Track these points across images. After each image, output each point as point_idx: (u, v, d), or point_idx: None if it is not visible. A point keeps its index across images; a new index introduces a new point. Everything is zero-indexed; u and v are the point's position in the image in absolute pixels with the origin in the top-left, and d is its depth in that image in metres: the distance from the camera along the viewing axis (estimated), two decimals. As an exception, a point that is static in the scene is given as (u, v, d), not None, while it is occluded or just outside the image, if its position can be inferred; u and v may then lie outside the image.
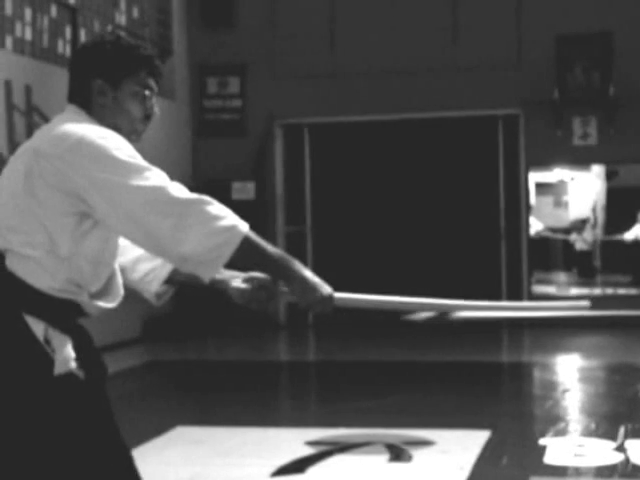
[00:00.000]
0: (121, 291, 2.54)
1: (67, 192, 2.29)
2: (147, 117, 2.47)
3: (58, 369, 2.32)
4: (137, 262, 2.64)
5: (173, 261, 2.34)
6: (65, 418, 2.34)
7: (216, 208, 2.27)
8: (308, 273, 2.42)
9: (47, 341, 2.31)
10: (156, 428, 5.98)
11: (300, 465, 5.16)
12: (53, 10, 9.72)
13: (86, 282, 2.38)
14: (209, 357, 10.17)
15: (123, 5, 11.21)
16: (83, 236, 2.33)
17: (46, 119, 9.03)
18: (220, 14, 12.28)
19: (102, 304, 2.46)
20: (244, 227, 2.29)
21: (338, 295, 2.54)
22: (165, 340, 10.44)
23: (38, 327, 2.31)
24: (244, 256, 2.29)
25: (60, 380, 2.32)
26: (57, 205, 2.30)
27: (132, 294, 2.66)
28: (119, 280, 2.54)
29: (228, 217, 2.27)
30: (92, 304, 2.42)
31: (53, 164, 2.30)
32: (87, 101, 2.44)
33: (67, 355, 2.35)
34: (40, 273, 2.31)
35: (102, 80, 2.41)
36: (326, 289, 2.49)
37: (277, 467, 5.07)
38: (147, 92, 2.46)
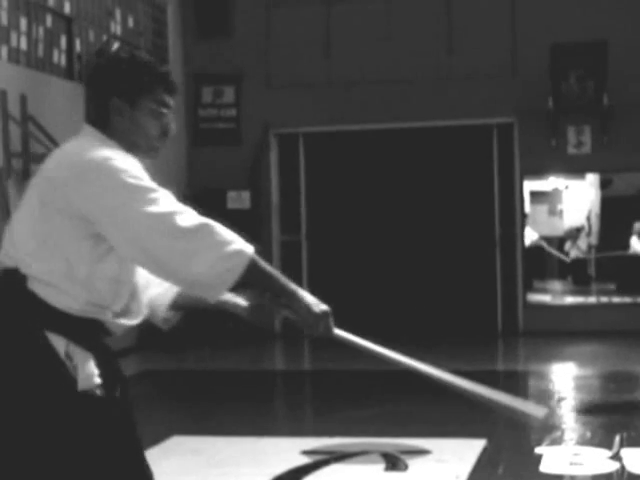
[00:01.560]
0: (143, 308, 2.55)
1: (79, 217, 2.32)
2: (164, 134, 2.48)
3: (81, 385, 2.33)
4: (148, 287, 2.63)
5: (182, 285, 2.38)
6: (86, 434, 2.34)
7: (223, 232, 2.31)
8: (310, 297, 2.51)
9: (69, 357, 2.33)
10: (152, 438, 5.97)
11: (296, 475, 5.15)
12: (48, 20, 9.73)
13: (107, 302, 2.40)
14: (205, 367, 10.15)
15: (118, 15, 11.23)
16: (100, 258, 2.35)
17: (41, 128, 9.03)
18: (215, 23, 12.30)
19: (125, 322, 2.47)
20: (250, 250, 2.34)
21: (337, 331, 2.66)
22: (161, 349, 10.43)
23: (59, 343, 2.32)
24: (251, 278, 2.35)
25: (82, 396, 2.33)
26: (71, 230, 2.32)
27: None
28: (141, 297, 2.54)
29: (235, 241, 2.32)
30: (115, 323, 2.44)
31: (63, 191, 2.32)
32: (105, 120, 2.44)
33: (90, 372, 2.36)
34: (61, 296, 2.33)
35: (119, 99, 2.42)
36: (326, 318, 2.56)
37: (273, 476, 5.07)
38: (164, 109, 2.46)
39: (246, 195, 12.00)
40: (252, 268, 2.33)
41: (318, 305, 2.51)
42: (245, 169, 12.21)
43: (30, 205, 2.38)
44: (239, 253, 2.31)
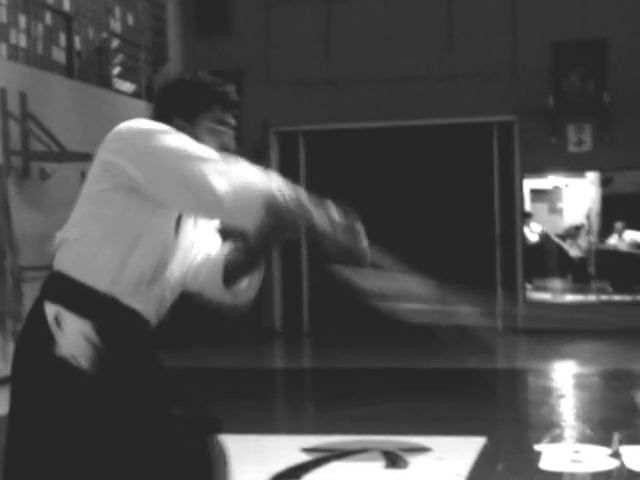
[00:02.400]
0: (168, 294, 2.56)
1: (124, 181, 2.39)
2: (223, 150, 2.52)
3: (61, 350, 2.35)
4: (199, 271, 2.63)
5: (214, 211, 2.35)
6: (56, 401, 2.37)
7: (248, 166, 2.36)
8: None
9: (57, 322, 2.36)
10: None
11: (296, 472, 5.15)
12: (48, 17, 9.72)
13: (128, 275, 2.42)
14: (205, 364, 10.15)
15: (118, 12, 11.22)
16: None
17: (41, 126, 9.03)
18: (215, 21, 12.30)
19: (138, 306, 2.48)
20: (279, 180, 2.38)
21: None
22: (160, 348, 10.42)
23: (50, 309, 2.38)
24: (284, 205, 2.37)
25: (62, 363, 2.36)
26: (115, 196, 2.42)
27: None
28: (170, 282, 2.54)
29: (261, 172, 2.37)
30: (136, 301, 2.46)
31: (108, 158, 2.45)
32: None
33: (74, 339, 2.36)
34: (80, 265, 2.43)
35: (180, 118, 2.51)
36: (364, 243, 2.52)
37: (273, 474, 5.06)
38: (222, 127, 2.55)
39: (246, 193, 11.99)
40: (284, 195, 2.37)
41: (361, 239, 2.49)
42: (245, 167, 12.19)
43: (82, 194, 2.53)
44: (267, 179, 2.36)
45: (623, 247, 13.18)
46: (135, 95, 11.73)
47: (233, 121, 2.59)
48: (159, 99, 2.61)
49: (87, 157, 9.60)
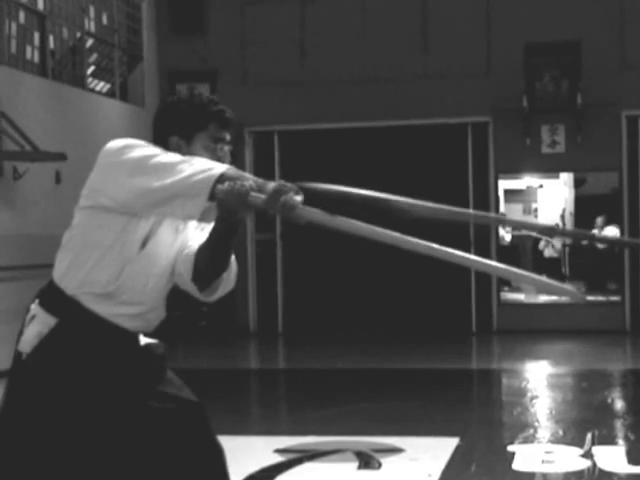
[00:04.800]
0: (147, 299, 2.68)
1: (96, 195, 2.63)
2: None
3: (20, 346, 2.62)
4: (178, 270, 2.74)
5: (167, 203, 2.46)
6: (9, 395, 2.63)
7: (198, 161, 2.48)
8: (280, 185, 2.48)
9: (31, 319, 2.62)
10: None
11: (269, 473, 5.14)
12: (22, 16, 9.66)
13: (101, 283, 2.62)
14: (179, 365, 10.09)
15: (92, 12, 11.17)
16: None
17: (14, 125, 8.96)
18: (190, 21, 12.26)
19: (103, 311, 2.62)
20: (223, 167, 2.45)
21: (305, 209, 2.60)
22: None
23: (34, 308, 2.64)
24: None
25: (19, 357, 2.61)
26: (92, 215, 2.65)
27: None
28: (145, 290, 2.67)
29: (208, 163, 2.47)
30: (111, 309, 2.63)
31: (94, 168, 2.68)
32: None
33: (30, 338, 2.60)
34: (62, 273, 2.65)
35: (177, 137, 2.66)
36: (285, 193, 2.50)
37: (246, 475, 5.05)
38: (218, 144, 2.68)
39: (221, 193, 11.96)
40: (225, 177, 2.43)
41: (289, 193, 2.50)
42: (220, 167, 12.17)
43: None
44: (211, 168, 2.44)
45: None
46: (109, 95, 11.68)
47: (228, 137, 2.71)
48: (157, 119, 2.74)
49: (61, 157, 9.57)
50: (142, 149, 2.55)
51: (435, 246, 2.53)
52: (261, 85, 12.20)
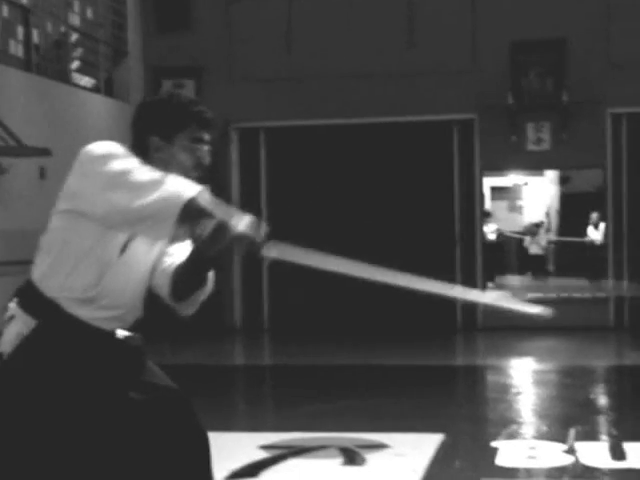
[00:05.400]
0: (120, 303, 2.70)
1: (73, 200, 2.65)
2: (199, 166, 2.71)
3: (1, 348, 2.65)
4: (157, 283, 2.79)
5: (139, 223, 2.50)
6: None
7: (172, 181, 2.48)
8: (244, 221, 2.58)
9: (9, 320, 2.65)
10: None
11: (254, 469, 5.14)
12: (5, 10, 9.60)
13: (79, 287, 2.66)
14: (165, 361, 10.08)
15: (77, 6, 11.12)
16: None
17: (-2, 120, 8.92)
18: (175, 16, 12.22)
19: (83, 314, 2.65)
20: (192, 192, 2.47)
21: (272, 249, 2.68)
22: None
23: (12, 309, 2.67)
24: (193, 212, 2.48)
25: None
26: (68, 220, 2.68)
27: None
28: (120, 294, 2.71)
29: (180, 185, 2.48)
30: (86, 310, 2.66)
31: (72, 173, 2.68)
32: (145, 155, 2.67)
33: (10, 339, 2.64)
34: (42, 276, 2.68)
35: (157, 137, 2.67)
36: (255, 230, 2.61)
37: (231, 471, 5.05)
38: (198, 145, 2.70)
39: (206, 190, 11.93)
40: (194, 203, 2.46)
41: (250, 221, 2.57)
42: (205, 163, 12.15)
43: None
44: (181, 194, 2.46)
45: (598, 238, 13.28)
46: (94, 90, 11.63)
47: (208, 137, 2.72)
48: (136, 119, 2.74)
49: (45, 152, 9.53)
50: (121, 161, 2.54)
51: (413, 279, 2.61)
52: (247, 81, 12.18)
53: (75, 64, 11.39)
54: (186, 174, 2.64)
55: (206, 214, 2.50)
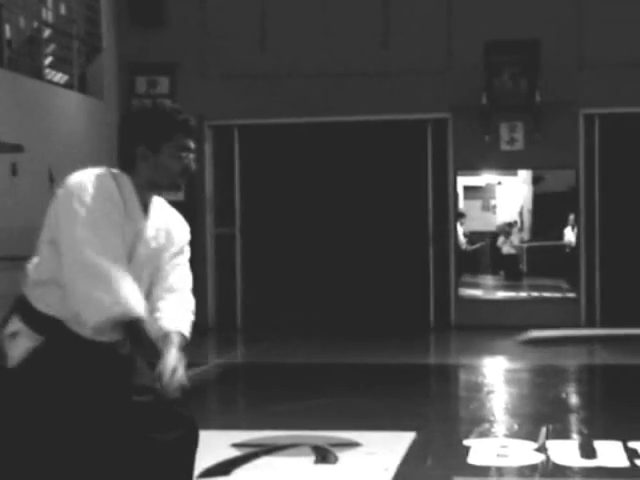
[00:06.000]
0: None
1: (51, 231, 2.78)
2: (185, 172, 2.81)
3: (10, 362, 2.74)
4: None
5: (80, 302, 2.67)
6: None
7: (123, 285, 2.63)
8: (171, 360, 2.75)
9: (12, 336, 2.75)
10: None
11: (225, 467, 5.13)
12: (-23, 5, 9.52)
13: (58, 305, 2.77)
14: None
15: (50, 1, 11.04)
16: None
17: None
18: (150, 12, 12.16)
19: (76, 329, 2.76)
20: (131, 312, 2.64)
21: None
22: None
23: (13, 325, 2.78)
24: (129, 331, 2.70)
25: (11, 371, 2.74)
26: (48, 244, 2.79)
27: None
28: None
29: (127, 296, 2.64)
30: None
31: (54, 204, 2.78)
32: (132, 165, 2.79)
33: (19, 353, 2.74)
34: (37, 294, 2.80)
35: (144, 146, 2.76)
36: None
37: (202, 469, 5.03)
38: (184, 152, 2.79)
39: (180, 187, 11.88)
40: (134, 326, 2.67)
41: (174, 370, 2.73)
42: (179, 161, 12.10)
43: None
44: (133, 304, 2.65)
45: (574, 240, 13.31)
46: (67, 86, 11.56)
47: (193, 145, 2.82)
48: (122, 129, 2.83)
49: (17, 148, 9.45)
50: (88, 217, 2.64)
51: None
52: (221, 78, 12.15)
53: (48, 60, 11.31)
54: (173, 180, 2.78)
55: (144, 339, 2.69)
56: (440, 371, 9.35)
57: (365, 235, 12.12)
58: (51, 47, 11.34)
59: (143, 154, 2.75)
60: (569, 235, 13.88)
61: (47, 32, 11.18)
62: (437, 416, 6.73)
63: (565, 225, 13.88)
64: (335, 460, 5.28)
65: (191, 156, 2.80)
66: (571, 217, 13.80)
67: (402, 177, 12.13)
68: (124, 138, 2.80)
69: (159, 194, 2.86)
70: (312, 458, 5.32)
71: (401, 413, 6.65)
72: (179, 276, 2.95)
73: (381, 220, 12.14)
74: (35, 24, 10.85)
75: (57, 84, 11.35)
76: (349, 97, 11.96)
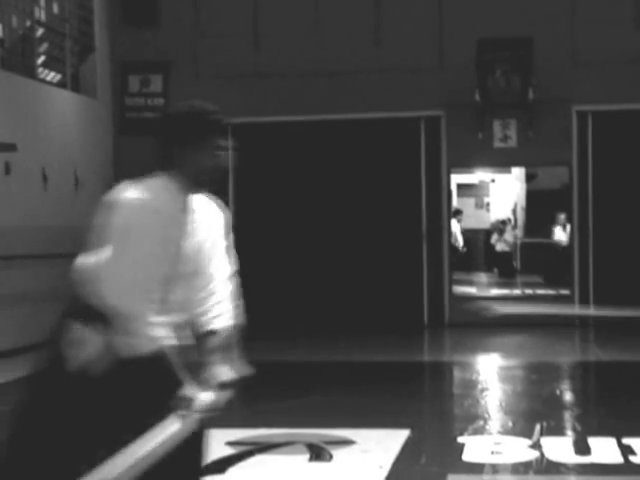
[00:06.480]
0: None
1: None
2: (219, 168, 2.98)
3: (75, 363, 2.84)
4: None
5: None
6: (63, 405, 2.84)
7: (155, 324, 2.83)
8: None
9: (78, 339, 2.84)
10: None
11: (221, 466, 5.13)
12: (-30, 4, 9.51)
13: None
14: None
15: (43, 0, 11.03)
16: None
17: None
18: (143, 11, 12.15)
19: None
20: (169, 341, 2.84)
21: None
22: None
23: (77, 329, 2.86)
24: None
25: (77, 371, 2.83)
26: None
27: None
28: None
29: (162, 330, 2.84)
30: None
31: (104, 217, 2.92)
32: (170, 163, 2.94)
33: (92, 353, 2.84)
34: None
35: (182, 146, 2.92)
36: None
37: (197, 468, 5.03)
38: (218, 151, 2.97)
39: (173, 185, 11.88)
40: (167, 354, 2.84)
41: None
42: (173, 159, 12.10)
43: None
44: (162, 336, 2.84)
45: (564, 239, 13.39)
46: (60, 85, 11.54)
47: (227, 144, 2.98)
48: (161, 131, 2.98)
49: (11, 147, 9.44)
50: (132, 249, 2.81)
51: None
52: (214, 77, 12.14)
53: (41, 59, 11.29)
54: (207, 177, 2.94)
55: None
56: (434, 369, 9.36)
57: (359, 233, 12.12)
58: (44, 46, 11.32)
59: (181, 152, 2.91)
60: (559, 234, 13.93)
61: (40, 31, 11.16)
62: (431, 413, 6.74)
63: (559, 224, 13.92)
64: (329, 458, 5.28)
65: (226, 155, 2.98)
66: (561, 216, 13.86)
67: (395, 175, 12.13)
68: (164, 138, 2.95)
69: (196, 190, 2.98)
70: (306, 456, 5.33)
71: (395, 411, 6.66)
72: (219, 265, 3.07)
73: (375, 218, 12.14)
74: (28, 23, 10.84)
75: (50, 83, 11.34)
76: (342, 95, 11.97)
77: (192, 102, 3.02)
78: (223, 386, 3.00)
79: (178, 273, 2.91)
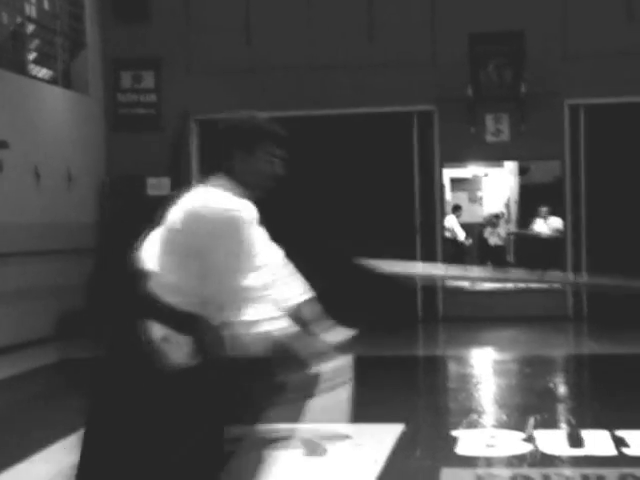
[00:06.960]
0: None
1: (194, 256, 3.07)
2: (273, 175, 3.25)
3: (173, 361, 2.94)
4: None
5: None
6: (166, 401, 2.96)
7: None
8: None
9: (165, 340, 2.95)
10: (68, 427, 5.88)
11: (215, 461, 5.13)
12: (-40, 1, 9.48)
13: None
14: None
15: (33, -4, 11.00)
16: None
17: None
18: (134, 7, 12.13)
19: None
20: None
21: None
22: (79, 337, 10.28)
23: (158, 330, 2.97)
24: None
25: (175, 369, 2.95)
26: (187, 262, 3.08)
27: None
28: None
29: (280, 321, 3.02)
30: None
31: (190, 238, 3.07)
32: (230, 167, 3.18)
33: (183, 352, 2.95)
34: (177, 299, 3.03)
35: (241, 152, 3.17)
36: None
37: (191, 464, 5.03)
38: (273, 158, 3.23)
39: (166, 182, 11.88)
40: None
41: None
42: (165, 156, 12.09)
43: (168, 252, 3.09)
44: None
45: (546, 231, 13.41)
46: (52, 82, 11.52)
47: (282, 152, 3.25)
48: (222, 138, 3.23)
49: (2, 144, 9.42)
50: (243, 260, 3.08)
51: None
52: (206, 73, 12.12)
53: (32, 55, 11.26)
54: (263, 183, 3.21)
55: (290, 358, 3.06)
56: (428, 363, 9.37)
57: (352, 227, 12.11)
58: (35, 43, 11.29)
59: (241, 157, 3.15)
60: (540, 226, 13.97)
61: (31, 27, 11.13)
62: (425, 407, 6.75)
63: (549, 215, 13.95)
64: (324, 453, 5.28)
65: (280, 163, 3.23)
66: (543, 209, 13.88)
67: (388, 169, 12.13)
68: (223, 144, 3.20)
69: (252, 194, 3.22)
70: (301, 451, 5.33)
71: (389, 405, 6.66)
72: (273, 251, 3.50)
73: (368, 212, 12.14)
74: (18, 19, 10.81)
75: (41, 80, 11.31)
76: (335, 90, 11.96)
77: (252, 112, 3.31)
78: (338, 349, 3.18)
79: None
